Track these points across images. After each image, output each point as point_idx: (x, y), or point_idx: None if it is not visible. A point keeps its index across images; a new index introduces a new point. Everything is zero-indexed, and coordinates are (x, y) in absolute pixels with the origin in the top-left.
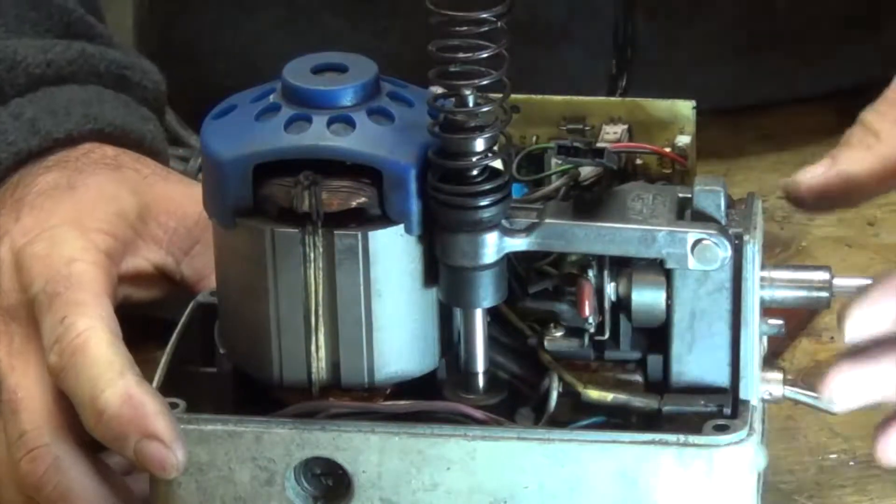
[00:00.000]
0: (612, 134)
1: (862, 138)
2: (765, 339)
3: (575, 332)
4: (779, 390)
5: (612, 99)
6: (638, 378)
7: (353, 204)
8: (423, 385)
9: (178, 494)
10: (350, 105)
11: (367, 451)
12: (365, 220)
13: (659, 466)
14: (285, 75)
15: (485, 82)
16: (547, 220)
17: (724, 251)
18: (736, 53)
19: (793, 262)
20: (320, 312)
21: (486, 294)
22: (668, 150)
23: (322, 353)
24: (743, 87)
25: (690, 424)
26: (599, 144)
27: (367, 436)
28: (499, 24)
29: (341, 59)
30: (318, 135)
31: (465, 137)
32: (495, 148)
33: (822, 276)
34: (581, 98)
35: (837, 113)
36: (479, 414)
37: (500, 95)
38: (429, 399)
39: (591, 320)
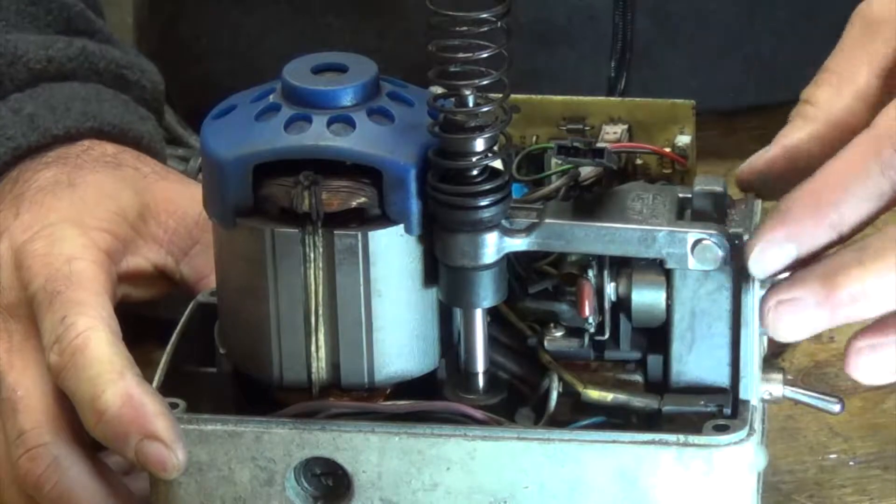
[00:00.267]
0: (611, 134)
1: (799, 110)
2: (765, 339)
3: (575, 332)
4: (779, 390)
5: (612, 99)
6: (638, 378)
7: (353, 204)
8: (423, 385)
9: (178, 494)
10: (350, 105)
11: (367, 451)
12: (365, 220)
13: (659, 466)
14: (285, 75)
15: (485, 82)
16: (547, 220)
17: (724, 251)
18: (735, 56)
19: None
20: (320, 312)
21: (486, 294)
22: (668, 150)
23: (322, 353)
24: (742, 89)
25: (690, 424)
26: (599, 144)
27: (367, 436)
28: (499, 24)
29: (341, 59)
30: (318, 135)
31: (465, 137)
32: (495, 148)
33: None
34: (581, 98)
35: None
36: (479, 414)
37: (500, 95)
38: (429, 399)
39: (591, 320)
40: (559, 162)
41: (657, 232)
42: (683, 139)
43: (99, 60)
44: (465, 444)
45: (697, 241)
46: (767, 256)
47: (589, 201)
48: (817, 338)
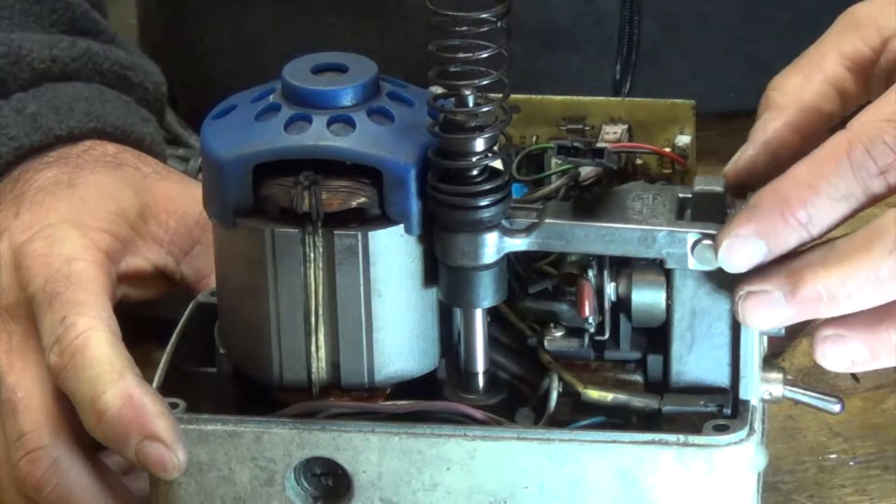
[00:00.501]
0: (612, 134)
1: (769, 100)
2: (765, 339)
3: (575, 332)
4: (779, 390)
5: (612, 99)
6: (638, 378)
7: (353, 204)
8: (423, 385)
9: (178, 494)
10: (350, 105)
11: (367, 451)
12: (365, 220)
13: (659, 466)
14: (285, 75)
15: (485, 82)
16: (547, 220)
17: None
18: (737, 58)
19: None
20: (320, 312)
21: (486, 294)
22: (668, 150)
23: (322, 353)
24: (746, 92)
25: (690, 424)
26: (599, 144)
27: (367, 436)
28: (499, 24)
29: (341, 59)
30: (318, 135)
31: (465, 137)
32: (495, 148)
33: None
34: (581, 98)
35: None
36: (479, 414)
37: (500, 95)
38: (429, 399)
39: (591, 320)
40: (559, 162)
41: (657, 232)
42: (683, 139)
43: (102, 61)
44: (465, 444)
45: (697, 241)
46: (735, 251)
47: (589, 201)
48: None
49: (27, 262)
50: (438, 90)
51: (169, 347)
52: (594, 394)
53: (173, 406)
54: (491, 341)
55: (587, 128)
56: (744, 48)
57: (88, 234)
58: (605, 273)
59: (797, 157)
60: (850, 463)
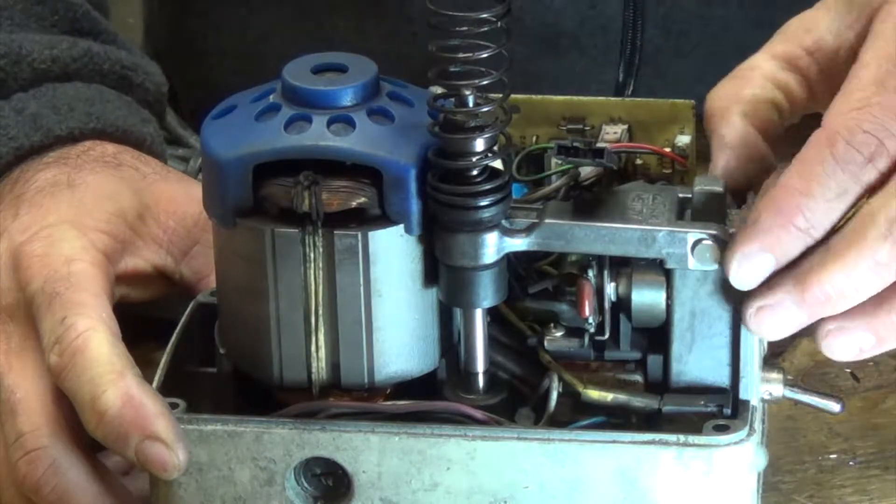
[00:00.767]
0: (612, 134)
1: (710, 113)
2: (765, 339)
3: (575, 332)
4: (779, 390)
5: (612, 99)
6: (638, 378)
7: (353, 204)
8: (423, 385)
9: (178, 494)
10: (350, 105)
11: (367, 451)
12: (365, 220)
13: (659, 466)
14: (285, 75)
15: (485, 82)
16: (547, 220)
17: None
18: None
19: None
20: (320, 312)
21: (486, 294)
22: (668, 150)
23: (322, 353)
24: None
25: (690, 424)
26: (599, 144)
27: (367, 436)
28: (499, 24)
29: (341, 60)
30: (318, 135)
31: (465, 137)
32: (495, 148)
33: None
34: (581, 98)
35: None
36: (479, 414)
37: (500, 95)
38: (429, 399)
39: (591, 320)
40: (559, 162)
41: (657, 232)
42: (683, 139)
43: (103, 61)
44: (465, 444)
45: (697, 241)
46: (745, 270)
47: (589, 201)
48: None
49: (26, 262)
50: (438, 90)
51: (169, 347)
52: (594, 394)
53: (173, 406)
54: (491, 341)
55: (587, 128)
56: (746, 52)
57: (87, 234)
58: (605, 273)
59: (763, 149)
60: (850, 463)
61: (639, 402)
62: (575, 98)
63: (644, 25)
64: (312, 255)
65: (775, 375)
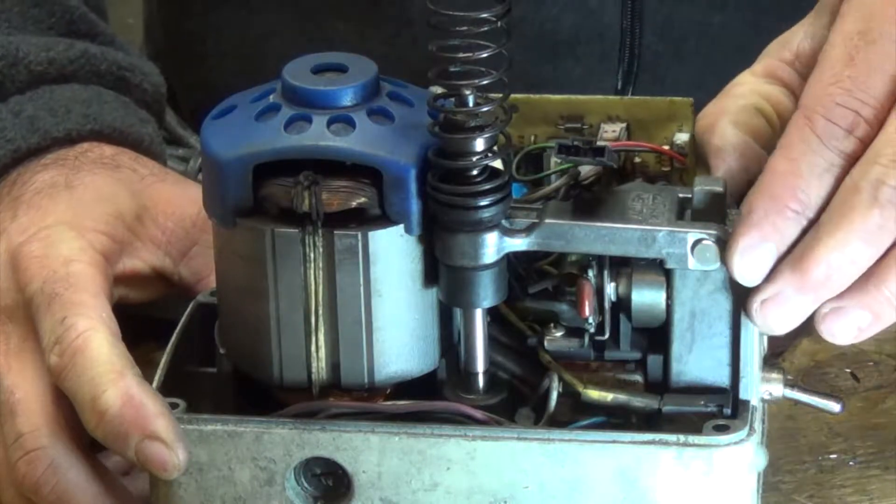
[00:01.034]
0: (610, 132)
1: (701, 129)
2: (765, 339)
3: (575, 332)
4: (779, 390)
5: (611, 97)
6: (638, 378)
7: (353, 204)
8: (423, 385)
9: (178, 494)
10: (350, 105)
11: (367, 451)
12: (365, 220)
13: (659, 466)
14: (285, 75)
15: (485, 82)
16: (547, 220)
17: (722, 252)
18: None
19: None
20: (320, 312)
21: (486, 294)
22: (666, 148)
23: (322, 353)
24: None
25: (690, 424)
26: (599, 143)
27: (367, 436)
28: (499, 24)
29: (341, 60)
30: (318, 135)
31: (465, 137)
32: (495, 148)
33: None
34: (579, 97)
35: None
36: (479, 414)
37: (500, 95)
38: (429, 399)
39: (591, 320)
40: (558, 161)
41: (657, 232)
42: (682, 137)
43: (100, 63)
44: (465, 444)
45: (697, 241)
46: (748, 263)
47: (589, 201)
48: (817, 338)
49: (25, 263)
50: (438, 90)
51: (169, 347)
52: (594, 394)
53: (173, 406)
54: (491, 341)
55: (585, 127)
56: (746, 59)
57: (86, 235)
58: (605, 273)
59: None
60: (850, 463)
61: (639, 402)
62: (573, 97)
63: (642, 32)
64: (312, 255)
65: (775, 375)
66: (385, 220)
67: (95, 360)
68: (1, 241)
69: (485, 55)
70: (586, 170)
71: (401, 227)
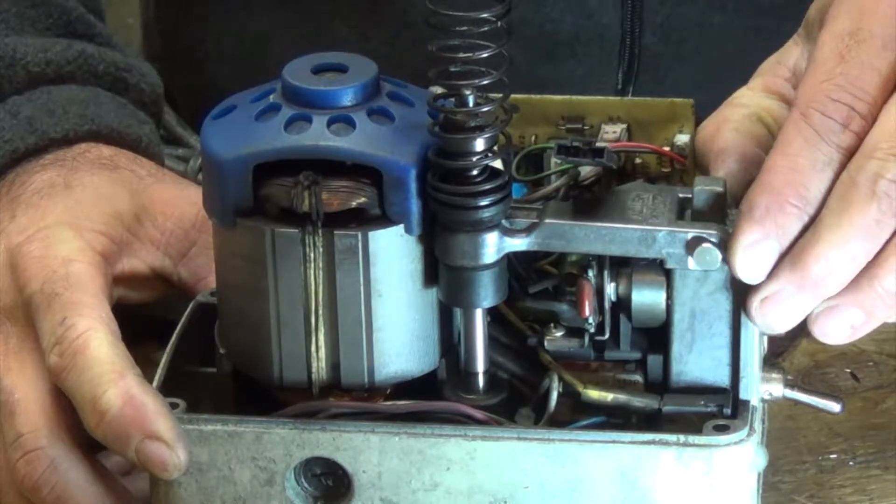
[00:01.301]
0: (611, 133)
1: (702, 138)
2: (765, 339)
3: (575, 332)
4: (779, 390)
5: (611, 98)
6: (638, 378)
7: (353, 204)
8: (423, 385)
9: (178, 494)
10: (350, 105)
11: (367, 451)
12: (365, 220)
13: (659, 466)
14: (285, 75)
15: (485, 82)
16: (547, 220)
17: (724, 251)
18: (740, 70)
19: None
20: (320, 312)
21: (487, 294)
22: (667, 148)
23: (322, 353)
24: None
25: (690, 424)
26: (599, 144)
27: (367, 436)
28: (499, 24)
29: (341, 59)
30: (318, 135)
31: (465, 137)
32: (495, 148)
33: None
34: (580, 97)
35: None
36: (479, 414)
37: (500, 95)
38: (429, 399)
39: (591, 320)
40: (559, 161)
41: (657, 232)
42: (682, 138)
43: (98, 63)
44: (465, 444)
45: (697, 241)
46: (751, 260)
47: (589, 201)
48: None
49: (24, 264)
50: (438, 90)
51: (169, 347)
52: (594, 394)
53: (173, 406)
54: (491, 341)
55: (586, 127)
56: (746, 59)
57: (84, 235)
58: (605, 273)
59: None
60: (850, 463)
61: (639, 402)
62: (574, 97)
63: (642, 32)
64: (312, 255)
65: (775, 375)
66: (385, 220)
67: (96, 360)
68: (0, 241)
69: (485, 55)
70: (586, 170)
71: (401, 227)
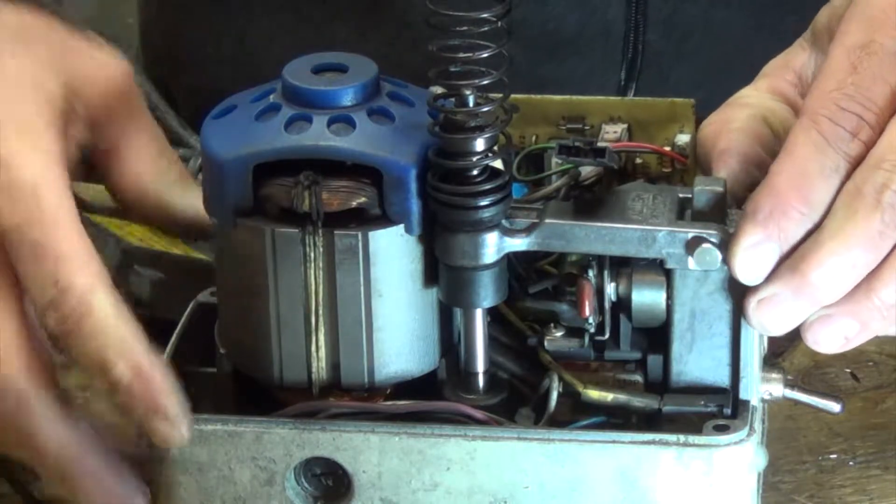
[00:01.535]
0: (611, 133)
1: (704, 137)
2: (765, 339)
3: (575, 332)
4: (779, 390)
5: (612, 98)
6: (638, 378)
7: (353, 204)
8: (423, 385)
9: (178, 494)
10: (350, 105)
11: (367, 451)
12: (365, 220)
13: (659, 466)
14: (285, 75)
15: (485, 82)
16: (547, 220)
17: (724, 252)
18: (743, 67)
19: None
20: (320, 312)
21: (487, 294)
22: (667, 148)
23: (322, 353)
24: None
25: (690, 424)
26: (600, 144)
27: (367, 436)
28: (499, 24)
29: (341, 59)
30: (319, 135)
31: (465, 137)
32: (495, 148)
33: None
34: (581, 97)
35: None
36: (479, 414)
37: (500, 95)
38: (429, 399)
39: (591, 320)
40: (559, 162)
41: (657, 232)
42: (683, 138)
43: None
44: (465, 444)
45: (697, 241)
46: (751, 261)
47: (589, 201)
48: None
49: None
50: (438, 90)
51: (169, 347)
52: (594, 394)
53: None
54: (491, 341)
55: (587, 127)
56: (749, 56)
57: (39, 144)
58: (605, 273)
59: (763, 156)
60: (850, 463)
61: (639, 402)
62: (574, 98)
63: (646, 28)
64: (312, 255)
65: (775, 375)
66: (385, 220)
67: (101, 328)
68: None
69: (485, 55)
70: (587, 170)
71: (401, 227)
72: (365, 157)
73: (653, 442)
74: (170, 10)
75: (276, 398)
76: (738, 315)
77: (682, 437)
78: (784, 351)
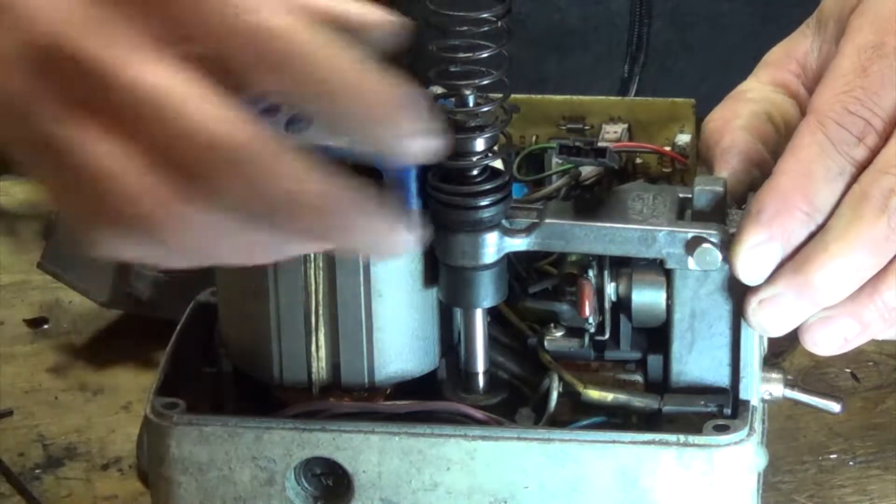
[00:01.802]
0: (612, 133)
1: (708, 133)
2: (765, 339)
3: (575, 332)
4: (779, 390)
5: (612, 98)
6: (638, 378)
7: None
8: (423, 385)
9: (178, 494)
10: None
11: (367, 451)
12: None
13: (659, 466)
14: None
15: (485, 82)
16: (547, 220)
17: (724, 251)
18: (747, 61)
19: None
20: (320, 312)
21: (487, 294)
22: (668, 148)
23: (322, 353)
24: None
25: (690, 424)
26: (601, 144)
27: (367, 436)
28: (499, 23)
29: None
30: (318, 135)
31: (465, 137)
32: (495, 148)
33: None
34: (581, 97)
35: None
36: (479, 414)
37: (500, 95)
38: (429, 399)
39: (591, 320)
40: (560, 161)
41: (657, 232)
42: (683, 138)
43: None
44: (465, 444)
45: (697, 241)
46: (753, 261)
47: (589, 201)
48: None
49: None
50: (438, 90)
51: (169, 347)
52: (594, 394)
53: (173, 406)
54: (491, 341)
55: (587, 127)
56: (754, 50)
57: None
58: (606, 273)
59: (765, 155)
60: (850, 463)
61: (639, 402)
62: (575, 97)
63: (651, 21)
64: (312, 255)
65: (775, 375)
66: None
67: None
68: None
69: (485, 55)
70: (587, 170)
71: None
72: (365, 157)
73: (653, 442)
74: None
75: (276, 398)
76: (738, 315)
77: (682, 437)
78: (784, 351)
